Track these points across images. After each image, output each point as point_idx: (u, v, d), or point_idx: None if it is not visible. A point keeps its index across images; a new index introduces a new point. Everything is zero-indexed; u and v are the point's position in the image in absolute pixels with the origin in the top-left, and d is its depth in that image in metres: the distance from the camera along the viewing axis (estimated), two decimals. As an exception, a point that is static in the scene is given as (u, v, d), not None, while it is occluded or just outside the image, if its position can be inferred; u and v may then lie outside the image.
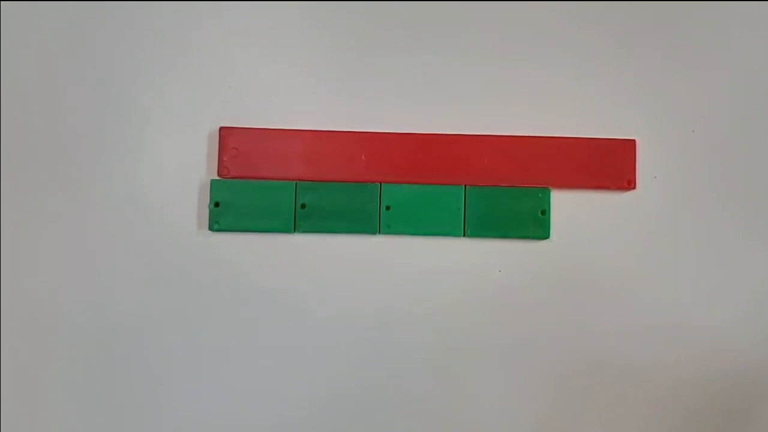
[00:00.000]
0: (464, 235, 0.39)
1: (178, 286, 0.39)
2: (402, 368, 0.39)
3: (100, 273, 0.39)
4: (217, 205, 0.39)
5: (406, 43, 0.40)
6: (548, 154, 0.39)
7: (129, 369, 0.39)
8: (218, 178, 0.39)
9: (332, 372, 0.39)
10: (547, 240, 0.39)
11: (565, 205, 0.40)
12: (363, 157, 0.39)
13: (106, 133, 0.40)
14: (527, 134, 0.40)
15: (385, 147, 0.39)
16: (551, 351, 0.39)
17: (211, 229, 0.39)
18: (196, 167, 0.40)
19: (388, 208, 0.39)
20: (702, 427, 0.39)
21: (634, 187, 0.40)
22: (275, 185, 0.39)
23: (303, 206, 0.39)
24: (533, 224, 0.39)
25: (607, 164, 0.39)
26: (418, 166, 0.39)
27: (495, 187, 0.39)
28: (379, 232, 0.39)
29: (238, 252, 0.39)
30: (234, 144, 0.39)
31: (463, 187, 0.39)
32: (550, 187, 0.39)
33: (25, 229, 0.39)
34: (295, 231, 0.39)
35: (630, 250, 0.40)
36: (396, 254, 0.39)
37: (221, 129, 0.39)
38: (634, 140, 0.40)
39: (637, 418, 0.39)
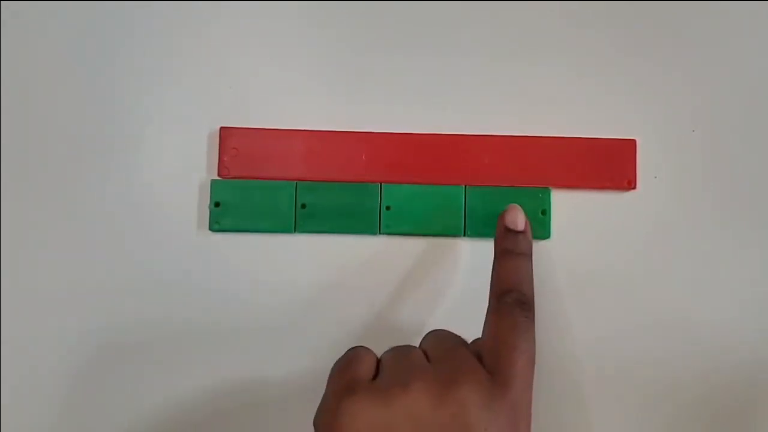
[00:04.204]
0: (464, 235, 0.39)
1: (177, 286, 0.39)
2: (402, 368, 0.39)
3: (99, 273, 0.39)
4: (217, 205, 0.39)
5: (406, 42, 0.40)
6: (548, 154, 0.39)
7: (128, 369, 0.39)
8: (218, 178, 0.39)
9: (332, 372, 0.39)
10: (547, 240, 0.39)
11: (565, 205, 0.40)
12: (363, 157, 0.39)
13: (106, 133, 0.40)
14: (527, 134, 0.40)
15: (385, 147, 0.39)
16: (551, 350, 0.39)
17: (211, 229, 0.39)
18: (196, 167, 0.40)
19: (388, 208, 0.39)
20: (701, 427, 0.39)
21: (634, 187, 0.40)
22: (275, 185, 0.39)
23: (303, 206, 0.39)
24: (533, 224, 0.39)
25: (607, 164, 0.39)
26: (418, 166, 0.39)
27: (495, 187, 0.39)
28: (379, 232, 0.39)
29: (238, 252, 0.39)
30: (234, 144, 0.39)
31: (463, 187, 0.39)
32: (550, 187, 0.39)
33: (24, 229, 0.39)
34: (295, 231, 0.39)
35: (630, 250, 0.40)
36: (396, 254, 0.39)
37: (221, 129, 0.39)
38: (634, 140, 0.40)
39: (637, 418, 0.39)
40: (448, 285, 0.39)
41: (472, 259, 0.39)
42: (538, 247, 0.39)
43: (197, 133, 0.40)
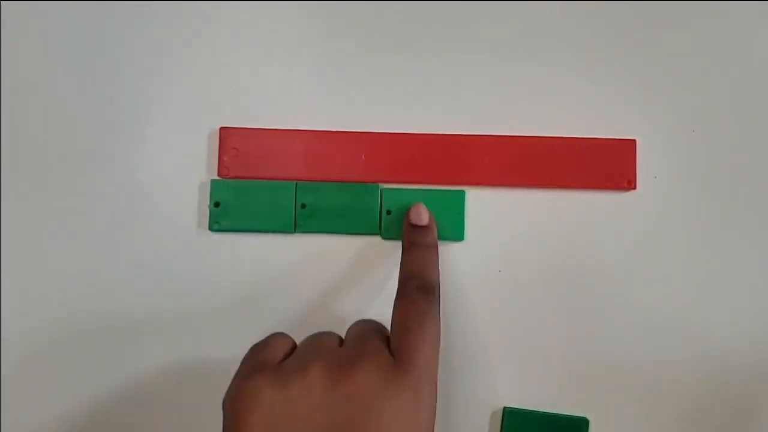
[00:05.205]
0: (463, 239, 0.39)
1: (177, 286, 0.39)
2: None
3: (99, 273, 0.39)
4: (217, 205, 0.39)
5: (406, 43, 0.40)
6: (548, 154, 0.39)
7: (128, 369, 0.39)
8: (218, 178, 0.39)
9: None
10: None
11: (565, 205, 0.40)
12: (363, 157, 0.39)
13: (106, 133, 0.40)
14: (527, 134, 0.40)
15: (385, 147, 0.39)
16: (551, 351, 0.39)
17: (211, 229, 0.39)
18: (196, 167, 0.40)
19: (389, 212, 0.39)
20: (701, 427, 0.39)
21: (634, 187, 0.40)
22: (275, 185, 0.39)
23: (303, 206, 0.39)
24: None
25: (607, 164, 0.39)
26: (418, 166, 0.39)
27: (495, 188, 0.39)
28: (379, 233, 0.39)
29: (238, 252, 0.39)
30: (234, 144, 0.39)
31: (464, 190, 0.39)
32: (549, 188, 0.39)
33: (23, 229, 0.39)
34: (295, 231, 0.39)
35: (630, 250, 0.40)
36: (396, 254, 0.39)
37: (221, 129, 0.40)
38: (634, 140, 0.40)
39: (637, 417, 0.39)
40: (448, 285, 0.39)
41: (471, 261, 0.39)
42: (543, 247, 0.39)
43: (197, 133, 0.40)
